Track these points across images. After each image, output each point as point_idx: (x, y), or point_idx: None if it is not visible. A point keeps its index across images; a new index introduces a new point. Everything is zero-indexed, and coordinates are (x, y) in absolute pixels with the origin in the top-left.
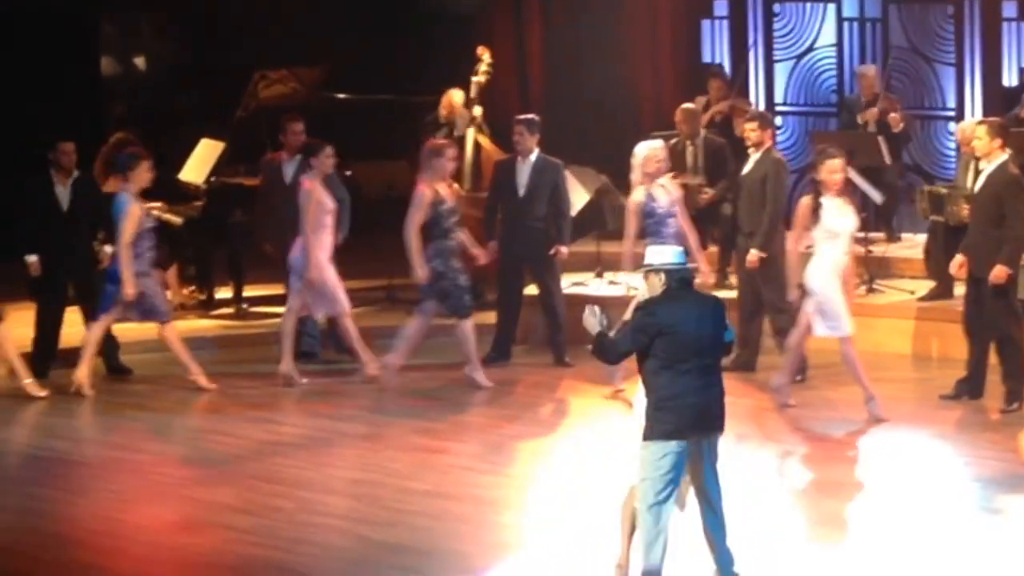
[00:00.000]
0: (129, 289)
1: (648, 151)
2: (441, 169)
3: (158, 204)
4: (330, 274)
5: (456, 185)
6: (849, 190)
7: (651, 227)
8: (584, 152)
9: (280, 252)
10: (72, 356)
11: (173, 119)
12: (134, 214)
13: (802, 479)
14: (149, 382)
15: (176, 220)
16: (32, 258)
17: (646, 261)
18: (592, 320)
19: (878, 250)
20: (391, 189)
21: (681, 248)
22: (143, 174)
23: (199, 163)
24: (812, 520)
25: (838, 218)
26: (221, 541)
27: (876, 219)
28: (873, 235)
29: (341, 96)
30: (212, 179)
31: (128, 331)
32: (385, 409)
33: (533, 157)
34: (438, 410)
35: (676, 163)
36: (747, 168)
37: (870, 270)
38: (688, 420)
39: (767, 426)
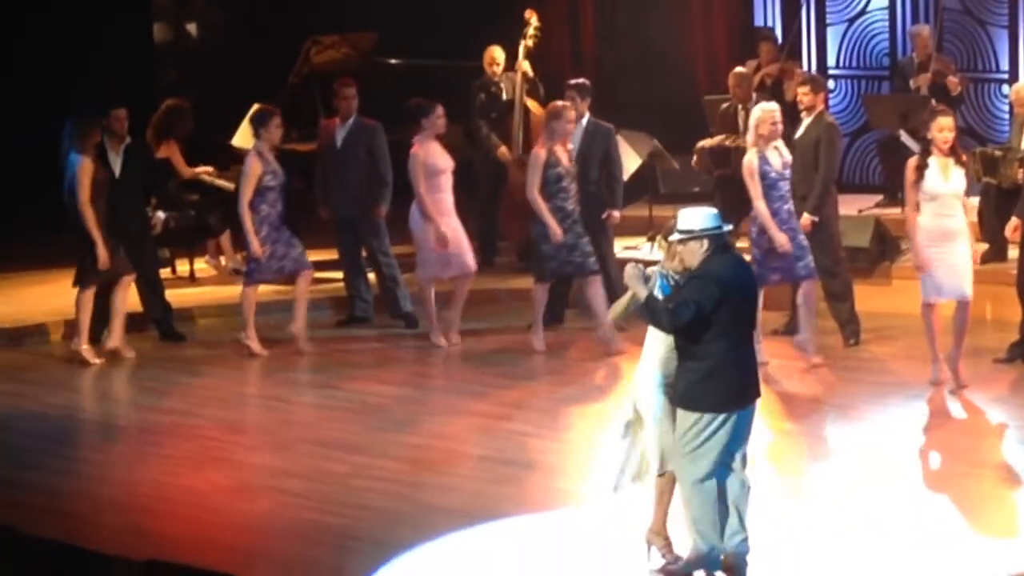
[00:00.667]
0: (255, 248)
1: (761, 112)
2: (560, 131)
3: (209, 168)
4: (430, 239)
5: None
6: (961, 150)
7: (762, 190)
8: (636, 116)
9: (334, 217)
10: (125, 322)
11: (225, 85)
12: (255, 173)
13: (853, 442)
14: (203, 347)
15: (229, 185)
16: None
17: (682, 226)
18: (637, 281)
19: None
20: None
21: (715, 210)
22: (274, 130)
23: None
24: (862, 481)
25: (938, 179)
26: (275, 505)
27: None
28: None
29: (393, 62)
30: None
31: (182, 297)
32: (439, 374)
33: (584, 122)
34: (492, 375)
35: (728, 127)
36: (799, 132)
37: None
38: (737, 390)
39: (818, 389)
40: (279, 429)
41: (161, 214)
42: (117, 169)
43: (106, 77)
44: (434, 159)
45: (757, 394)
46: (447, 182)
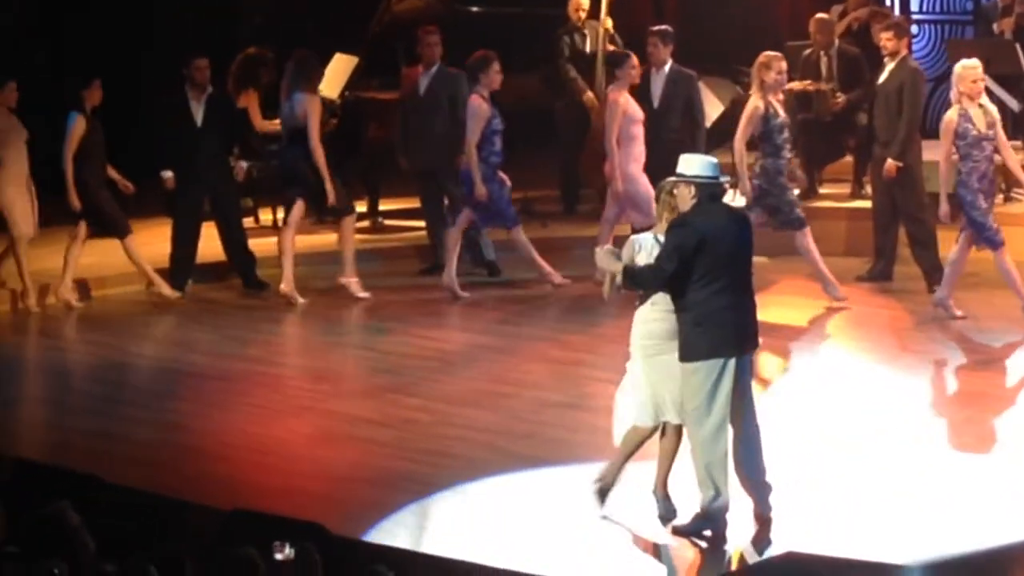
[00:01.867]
0: (480, 190)
1: (962, 69)
2: (771, 82)
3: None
4: (642, 184)
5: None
6: None
7: (963, 149)
8: (719, 63)
9: (415, 166)
10: (208, 271)
11: (307, 35)
12: (483, 115)
13: (938, 388)
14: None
15: None
16: (167, 174)
17: (679, 170)
18: (609, 260)
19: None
20: (524, 103)
21: (715, 160)
22: (494, 75)
23: (333, 77)
24: (944, 430)
25: None
26: (359, 454)
27: (1013, 127)
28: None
29: (474, 9)
30: (346, 93)
31: (265, 245)
32: (522, 322)
33: (667, 68)
34: (574, 322)
35: (810, 74)
36: (883, 77)
37: (1007, 179)
38: (727, 336)
39: (903, 335)
40: (363, 377)
41: (244, 163)
42: (199, 118)
43: (188, 26)
44: (633, 109)
45: (752, 343)
46: (640, 132)
